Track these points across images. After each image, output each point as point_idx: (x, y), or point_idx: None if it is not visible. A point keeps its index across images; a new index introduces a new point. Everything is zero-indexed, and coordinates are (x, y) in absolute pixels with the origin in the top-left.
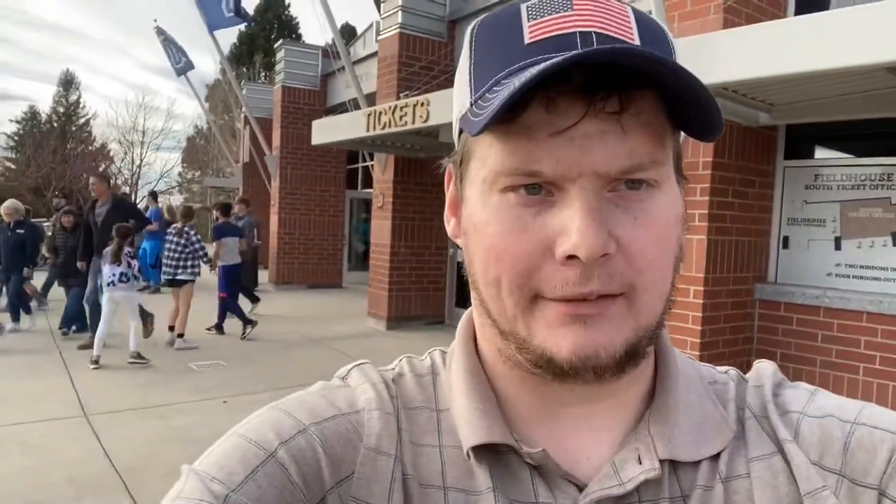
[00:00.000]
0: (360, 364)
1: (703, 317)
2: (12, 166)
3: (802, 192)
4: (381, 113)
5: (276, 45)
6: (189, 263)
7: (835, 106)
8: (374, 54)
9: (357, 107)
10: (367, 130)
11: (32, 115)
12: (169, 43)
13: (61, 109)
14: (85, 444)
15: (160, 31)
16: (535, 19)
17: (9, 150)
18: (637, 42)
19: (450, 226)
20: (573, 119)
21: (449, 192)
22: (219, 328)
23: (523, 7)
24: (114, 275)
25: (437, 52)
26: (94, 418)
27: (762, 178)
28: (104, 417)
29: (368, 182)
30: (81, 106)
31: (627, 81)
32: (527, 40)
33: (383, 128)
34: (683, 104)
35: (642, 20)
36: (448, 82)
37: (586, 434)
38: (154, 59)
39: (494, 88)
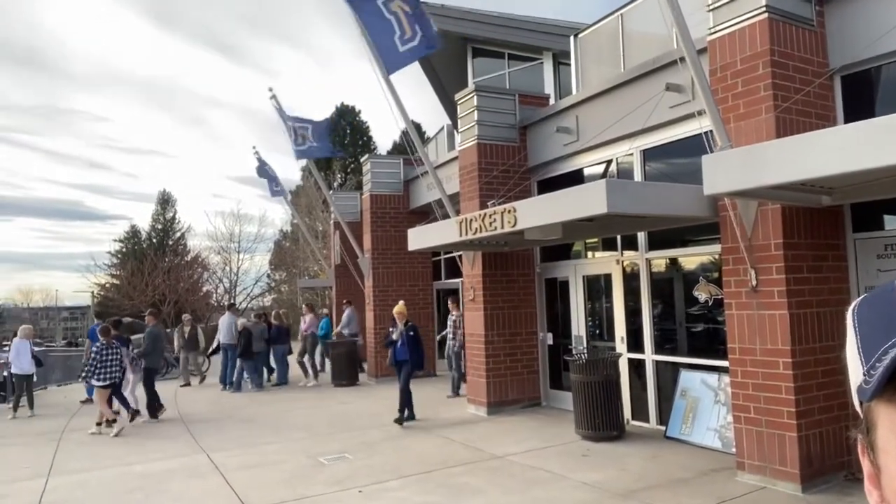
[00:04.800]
0: None
1: (795, 387)
2: (116, 282)
3: (875, 262)
4: (471, 220)
5: (362, 160)
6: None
7: (890, 186)
8: (453, 159)
9: (440, 206)
10: (460, 236)
11: (134, 233)
12: (265, 170)
13: (159, 226)
14: None
15: (259, 160)
16: None
17: (112, 267)
18: None
19: (872, 498)
20: None
21: (864, 464)
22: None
23: None
24: None
25: (512, 157)
26: None
27: (834, 252)
28: None
29: (451, 272)
30: (177, 221)
31: None
32: None
33: (475, 233)
34: None
35: None
36: (523, 181)
37: None
38: (237, 169)
39: (882, 357)
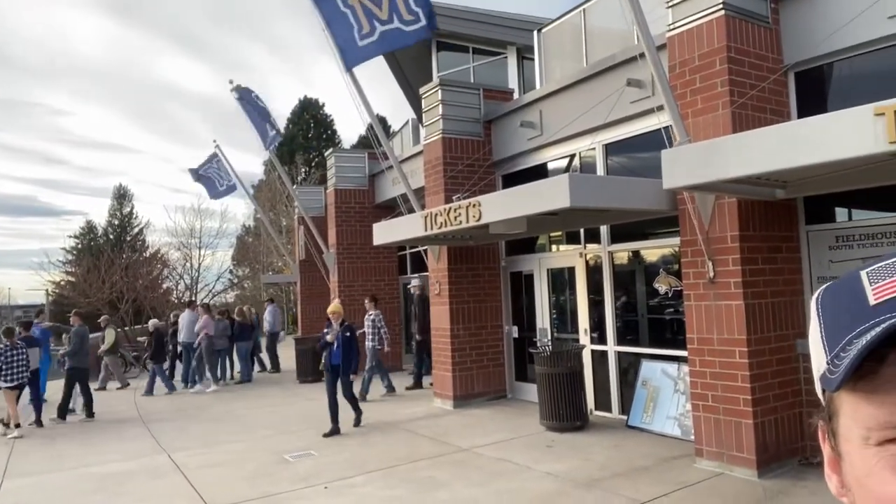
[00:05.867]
0: None
1: (751, 375)
2: (72, 280)
3: (827, 253)
4: (436, 214)
5: (326, 154)
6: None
7: (840, 179)
8: (418, 154)
9: (405, 200)
10: (426, 230)
11: (89, 229)
12: (216, 168)
13: (116, 222)
14: None
15: (212, 157)
16: (876, 283)
17: (68, 263)
18: None
19: (832, 483)
20: None
21: (825, 450)
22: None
23: (863, 273)
24: None
25: (477, 151)
26: None
27: (788, 244)
28: None
29: (417, 267)
30: (134, 216)
31: None
32: (872, 301)
33: (440, 227)
34: None
35: None
36: (488, 175)
37: None
38: (198, 163)
39: (847, 348)
